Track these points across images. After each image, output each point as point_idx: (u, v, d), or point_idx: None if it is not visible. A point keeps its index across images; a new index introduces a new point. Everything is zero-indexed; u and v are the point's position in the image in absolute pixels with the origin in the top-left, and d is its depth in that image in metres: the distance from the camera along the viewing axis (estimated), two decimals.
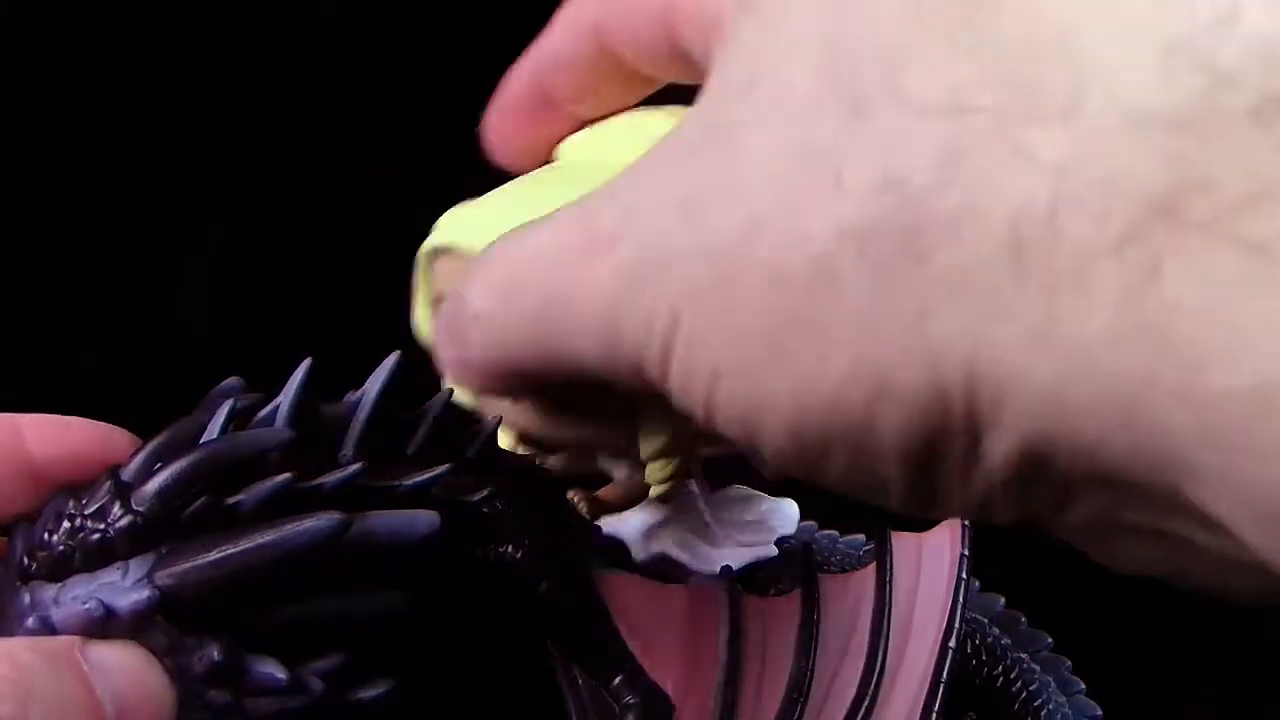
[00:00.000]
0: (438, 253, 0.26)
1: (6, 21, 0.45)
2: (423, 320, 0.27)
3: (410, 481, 0.22)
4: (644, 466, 0.26)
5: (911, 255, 0.15)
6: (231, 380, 0.24)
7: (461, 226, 0.25)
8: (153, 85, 0.47)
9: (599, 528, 0.27)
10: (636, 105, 0.26)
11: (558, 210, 0.21)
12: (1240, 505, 0.14)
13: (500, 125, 0.26)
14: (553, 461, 0.27)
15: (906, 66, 0.16)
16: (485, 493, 0.23)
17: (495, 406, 0.25)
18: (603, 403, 0.23)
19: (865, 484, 0.17)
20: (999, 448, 0.16)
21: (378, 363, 0.24)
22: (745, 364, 0.17)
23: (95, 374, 0.44)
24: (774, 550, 0.29)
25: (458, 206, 0.26)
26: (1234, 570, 0.16)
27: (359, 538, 0.20)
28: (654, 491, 0.25)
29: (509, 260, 0.21)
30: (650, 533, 0.28)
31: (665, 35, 0.22)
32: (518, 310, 0.20)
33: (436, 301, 0.26)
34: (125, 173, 0.47)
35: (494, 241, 0.22)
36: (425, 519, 0.21)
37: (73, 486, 0.22)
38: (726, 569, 0.26)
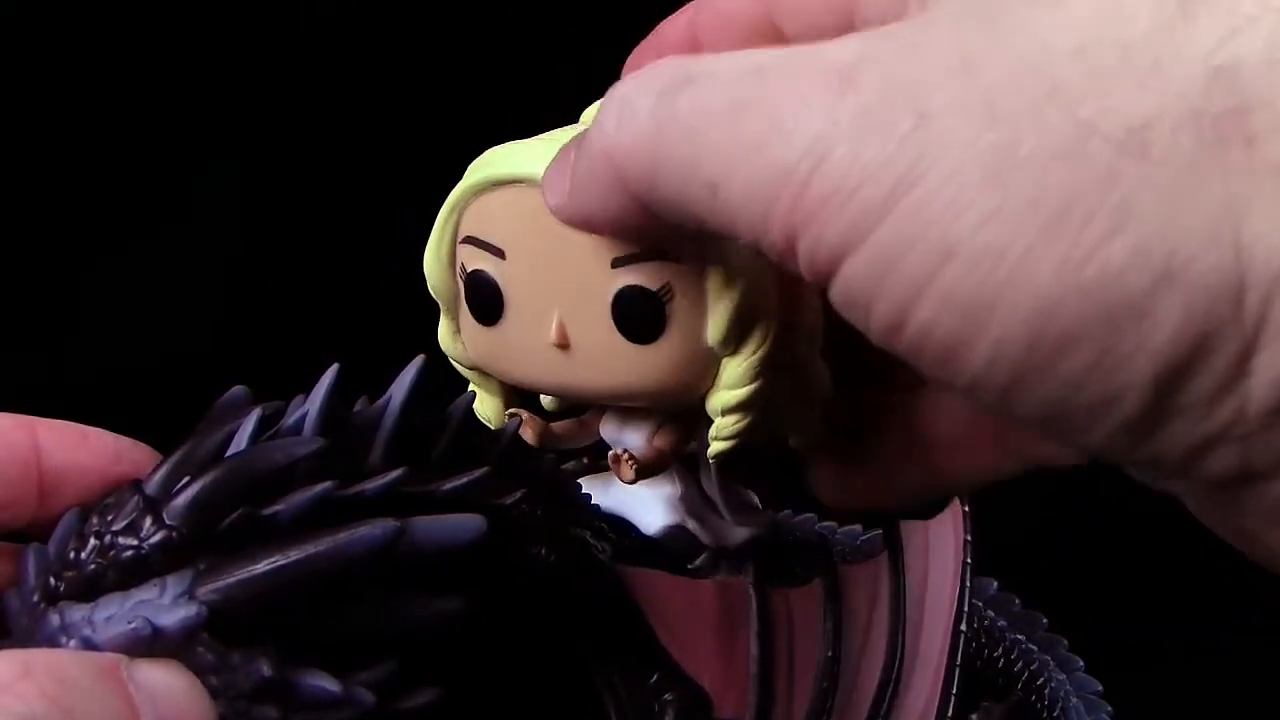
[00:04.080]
0: (479, 191, 0.24)
1: (5, 20, 0.44)
2: (440, 261, 0.25)
3: (449, 486, 0.22)
4: (682, 430, 0.25)
5: (1240, 138, 0.15)
6: (237, 390, 0.23)
7: (515, 159, 0.24)
8: (152, 87, 0.46)
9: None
10: None
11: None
12: None
13: (642, 61, 0.25)
14: (558, 427, 0.26)
15: None
16: (517, 495, 0.23)
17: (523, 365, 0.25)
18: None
19: (1089, 397, 0.16)
20: (1276, 364, 0.15)
21: (374, 367, 0.24)
22: (1002, 241, 0.15)
23: (94, 380, 0.43)
24: (764, 530, 0.28)
25: (491, 150, 0.25)
26: None
27: (409, 544, 0.20)
28: (714, 449, 0.24)
29: (695, 66, 0.18)
30: (662, 506, 0.28)
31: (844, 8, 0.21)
32: (685, 114, 0.18)
33: (478, 245, 0.24)
34: (123, 174, 0.46)
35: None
36: (473, 523, 0.21)
37: (85, 504, 0.22)
38: (752, 557, 0.26)
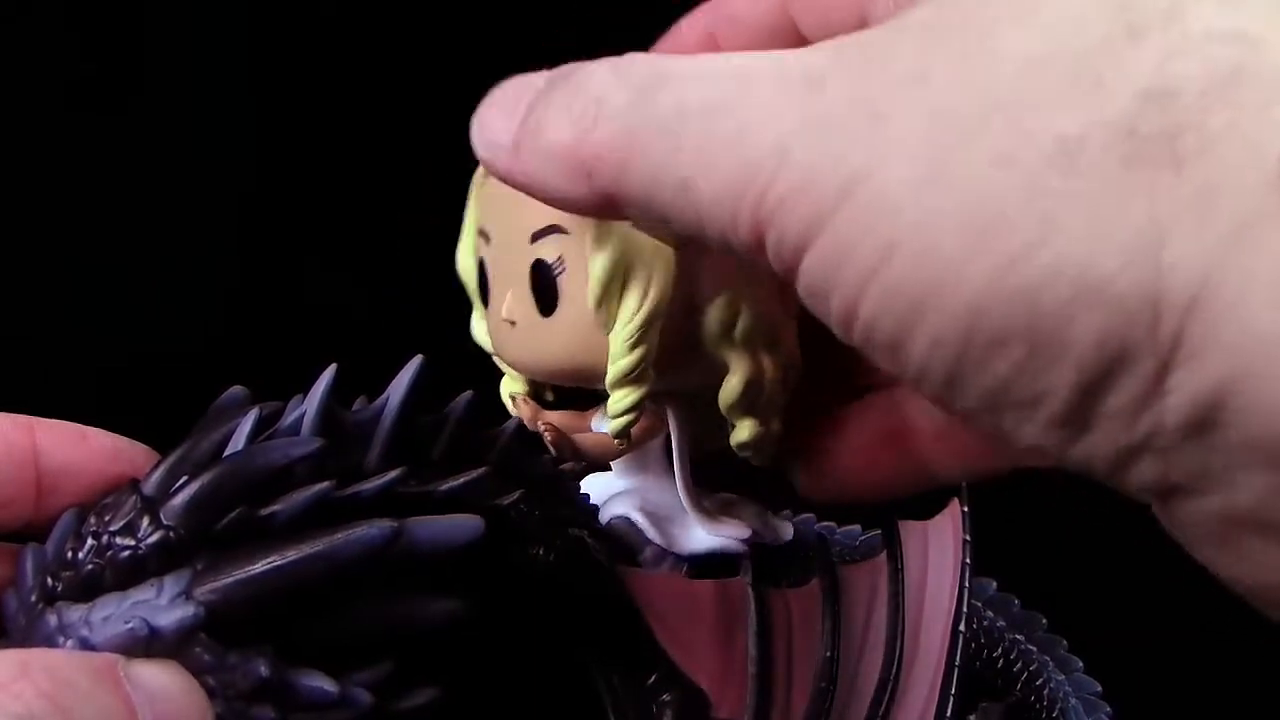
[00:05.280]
0: (485, 177, 0.25)
1: (4, 20, 0.44)
2: (467, 250, 0.26)
3: (446, 486, 0.22)
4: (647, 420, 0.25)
5: (1167, 160, 0.15)
6: (235, 390, 0.23)
7: None
8: (150, 88, 0.46)
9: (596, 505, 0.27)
10: None
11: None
12: None
13: None
14: (552, 417, 0.26)
15: (1190, 4, 0.16)
16: (514, 496, 0.23)
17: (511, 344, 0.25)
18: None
19: (1020, 394, 0.16)
20: (1190, 384, 0.15)
21: (373, 367, 0.24)
22: (938, 240, 0.16)
23: (94, 380, 0.43)
24: (739, 546, 0.27)
25: None
26: None
27: (406, 544, 0.20)
28: (610, 426, 0.24)
29: (669, 65, 0.18)
30: (622, 495, 0.28)
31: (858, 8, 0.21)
32: (662, 112, 0.18)
33: (480, 233, 0.25)
34: (122, 176, 0.46)
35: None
36: (470, 524, 0.21)
37: (83, 504, 0.22)
38: (749, 554, 0.26)
